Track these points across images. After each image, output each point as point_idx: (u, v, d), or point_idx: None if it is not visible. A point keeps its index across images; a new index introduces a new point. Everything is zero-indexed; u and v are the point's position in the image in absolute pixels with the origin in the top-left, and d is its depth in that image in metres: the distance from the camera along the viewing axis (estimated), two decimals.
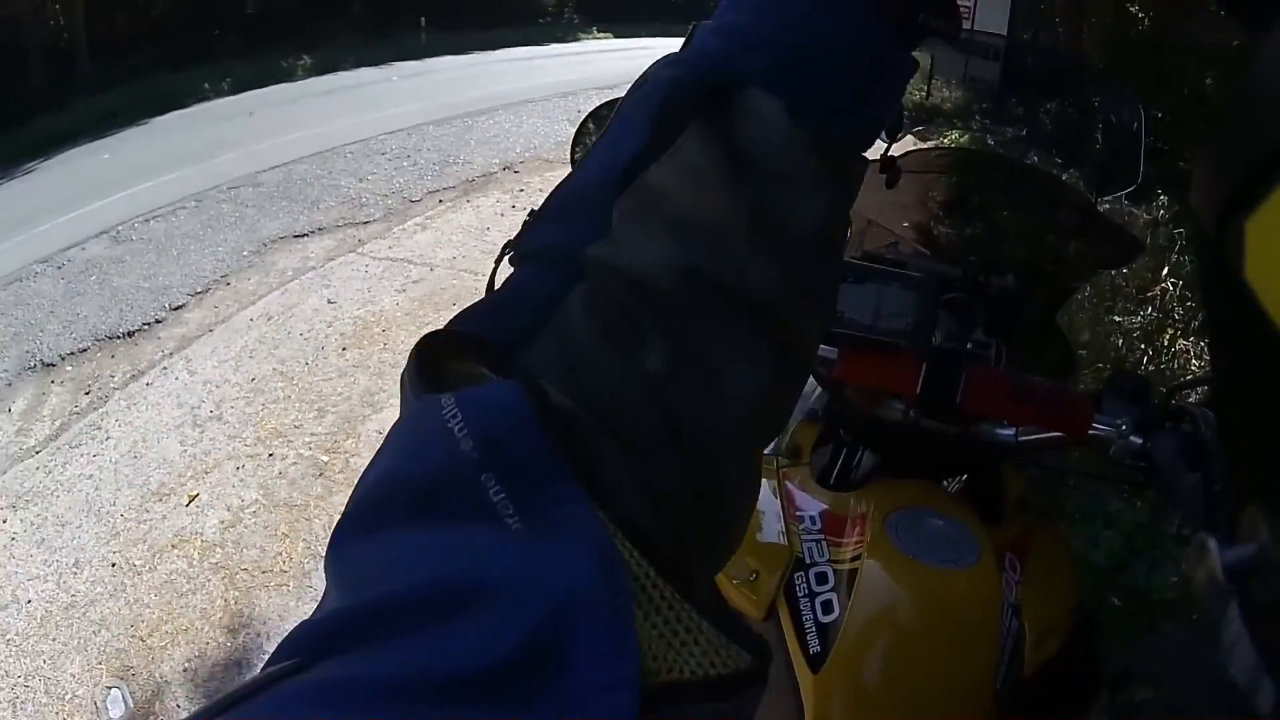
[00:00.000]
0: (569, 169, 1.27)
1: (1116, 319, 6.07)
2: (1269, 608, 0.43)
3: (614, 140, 0.58)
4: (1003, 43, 16.21)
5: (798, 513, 1.42)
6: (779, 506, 1.45)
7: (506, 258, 0.58)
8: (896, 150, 1.85)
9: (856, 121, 0.60)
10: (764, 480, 1.46)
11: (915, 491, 1.40)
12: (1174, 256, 6.91)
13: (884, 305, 1.38)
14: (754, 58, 0.57)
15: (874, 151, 1.84)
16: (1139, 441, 1.29)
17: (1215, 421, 1.25)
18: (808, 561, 1.31)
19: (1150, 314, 6.15)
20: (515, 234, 0.58)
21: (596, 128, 1.52)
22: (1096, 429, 1.32)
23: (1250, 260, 0.37)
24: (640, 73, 0.60)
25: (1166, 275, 6.52)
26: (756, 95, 0.55)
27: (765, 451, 1.47)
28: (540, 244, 0.57)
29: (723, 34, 0.59)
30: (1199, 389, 1.50)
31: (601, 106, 1.53)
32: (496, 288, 0.56)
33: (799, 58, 0.58)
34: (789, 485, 1.50)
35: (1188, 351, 5.81)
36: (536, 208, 0.57)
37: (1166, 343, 5.85)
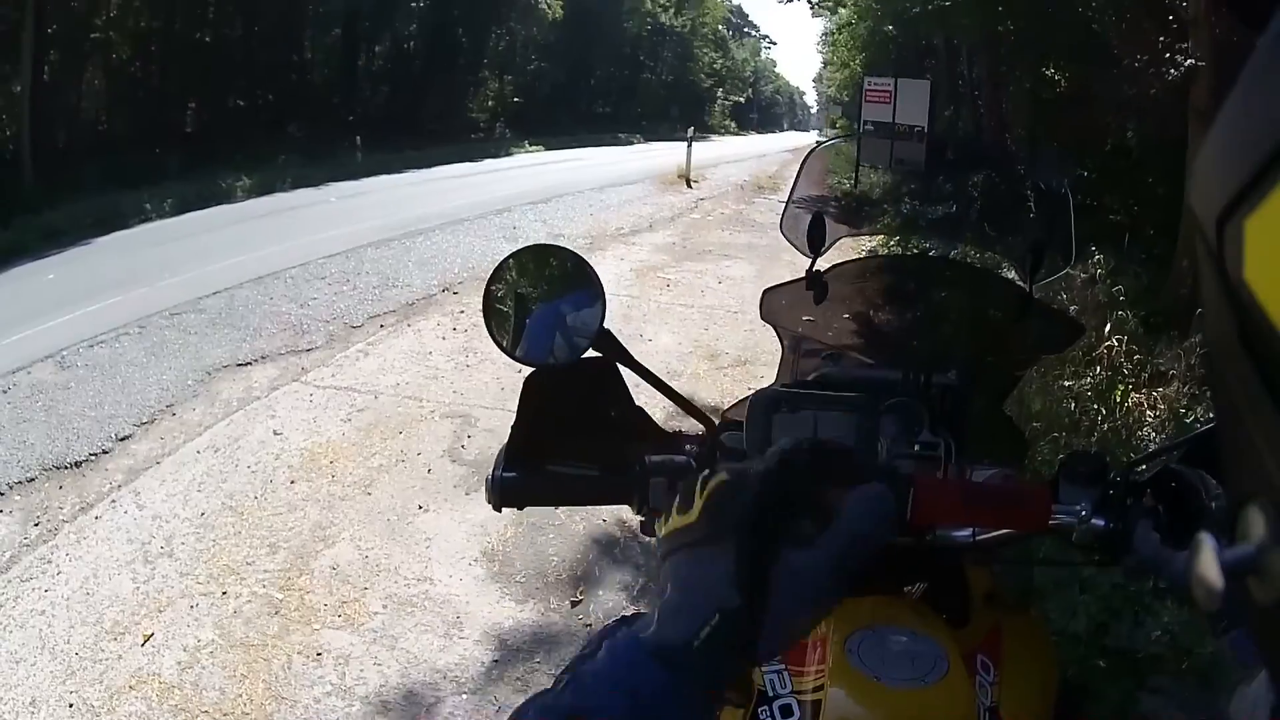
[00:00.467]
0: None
1: (1067, 383, 6.13)
2: (1269, 608, 0.44)
3: None
4: (925, 125, 16.72)
5: None
6: None
7: None
8: (823, 264, 1.94)
9: None
10: None
11: (874, 608, 1.33)
12: (1116, 313, 7.10)
13: (822, 431, 1.37)
14: None
15: (791, 253, 1.99)
16: (1101, 524, 1.27)
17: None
18: (770, 694, 1.25)
19: (1100, 373, 6.22)
20: None
21: (518, 267, 1.54)
22: (1056, 518, 1.27)
23: (1250, 261, 0.41)
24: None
25: (1111, 332, 6.64)
26: None
27: None
28: None
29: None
30: (1160, 457, 1.42)
31: (525, 249, 1.54)
32: None
33: None
34: None
35: (1141, 404, 5.91)
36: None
37: (1119, 398, 5.92)
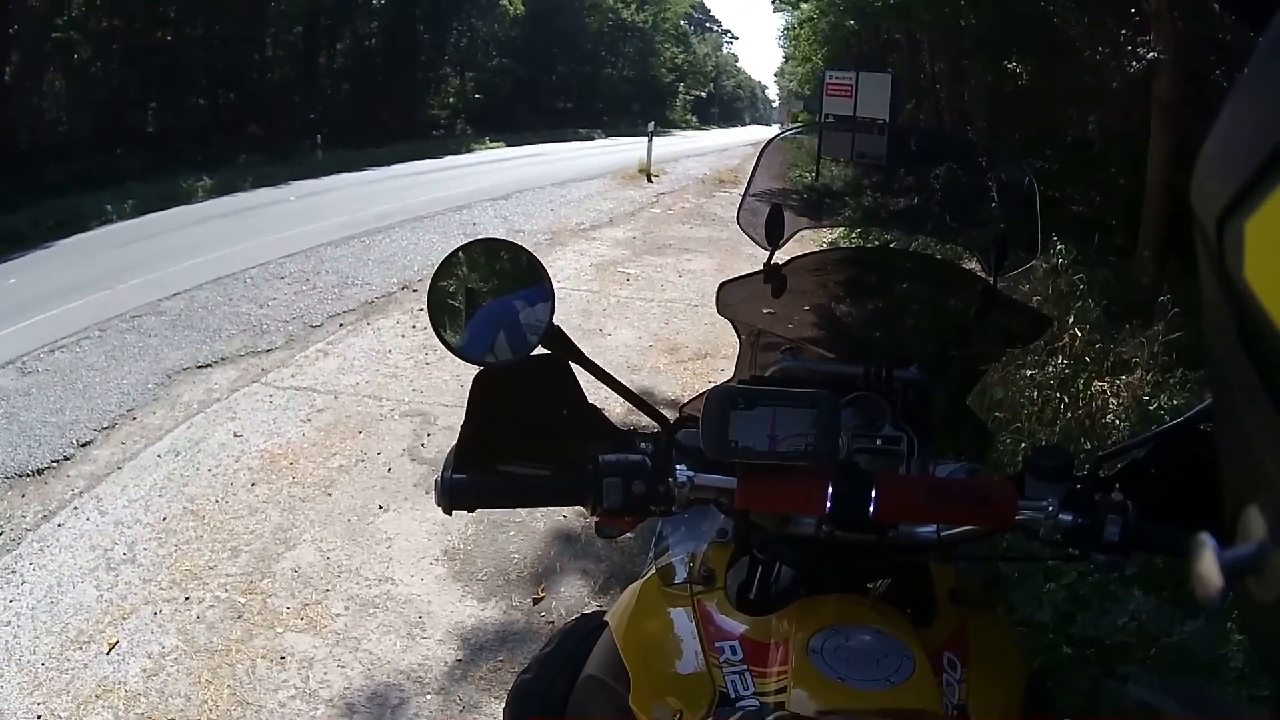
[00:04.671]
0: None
1: (1029, 373, 6.14)
2: (1269, 608, 0.44)
3: None
4: (886, 118, 16.79)
5: (717, 643, 1.34)
6: (697, 636, 1.38)
7: None
8: (782, 257, 1.92)
9: None
10: (681, 608, 1.46)
11: (838, 607, 1.33)
12: (1078, 303, 7.12)
13: (780, 428, 1.29)
14: None
15: (752, 247, 1.98)
16: (1068, 518, 1.27)
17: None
18: (733, 696, 1.23)
19: (1062, 363, 6.23)
20: None
21: (467, 261, 1.49)
22: (1023, 514, 1.28)
23: (1250, 261, 0.41)
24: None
25: (1073, 322, 6.66)
26: None
27: (678, 579, 1.57)
28: None
29: None
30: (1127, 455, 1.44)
31: (474, 243, 1.49)
32: None
33: None
34: (706, 611, 1.43)
35: (1105, 393, 5.93)
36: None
37: (1082, 387, 5.94)
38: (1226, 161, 0.44)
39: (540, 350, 1.39)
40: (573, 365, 1.41)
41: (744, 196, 2.14)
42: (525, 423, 1.41)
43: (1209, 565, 0.47)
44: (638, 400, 1.51)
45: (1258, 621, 0.47)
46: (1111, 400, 5.91)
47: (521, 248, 1.48)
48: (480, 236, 1.66)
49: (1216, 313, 0.46)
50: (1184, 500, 1.24)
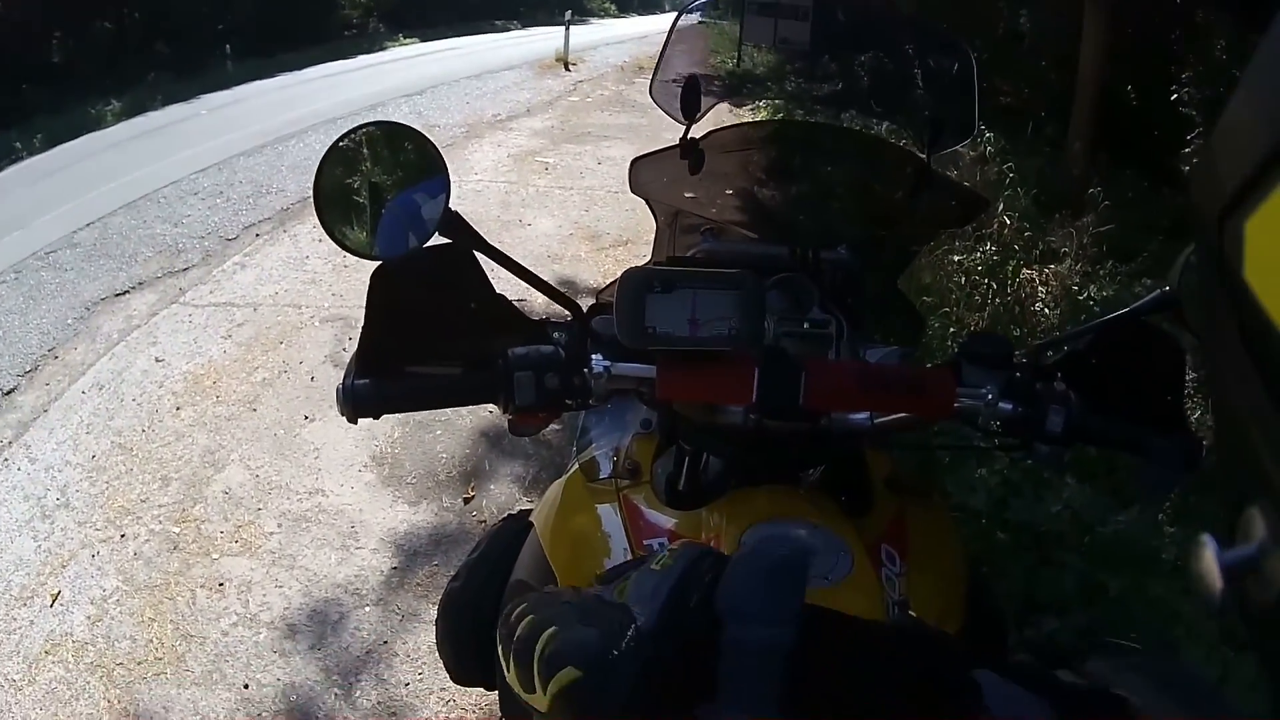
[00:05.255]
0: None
1: (956, 259, 6.14)
2: (1269, 608, 0.44)
3: None
4: (811, 2, 16.36)
5: (645, 540, 1.34)
6: (624, 531, 1.38)
7: None
8: (698, 130, 1.83)
9: None
10: (607, 504, 1.45)
11: (770, 500, 1.29)
12: (1007, 191, 7.09)
13: (700, 312, 1.21)
14: None
15: (674, 132, 1.87)
16: (1008, 407, 1.24)
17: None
18: None
19: (990, 249, 6.22)
20: None
21: (353, 149, 1.39)
22: (961, 402, 1.25)
23: (1250, 261, 0.41)
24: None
25: (1002, 210, 6.63)
26: None
27: (603, 474, 1.55)
28: None
29: None
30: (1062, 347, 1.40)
31: (358, 128, 1.39)
32: None
33: None
34: (633, 506, 1.42)
35: (1033, 281, 5.96)
36: None
37: (1011, 274, 5.97)
38: (1227, 160, 0.44)
39: (440, 240, 1.31)
40: (478, 256, 1.32)
41: (656, 67, 2.04)
42: (430, 320, 1.32)
43: (1209, 565, 0.47)
44: (547, 288, 1.43)
45: (1258, 622, 0.47)
46: (1040, 289, 5.93)
47: (406, 127, 1.40)
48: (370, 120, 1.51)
49: (1216, 312, 0.46)
50: (1125, 393, 1.27)
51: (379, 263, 1.28)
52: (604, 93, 17.08)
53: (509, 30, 35.33)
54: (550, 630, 0.76)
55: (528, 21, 38.70)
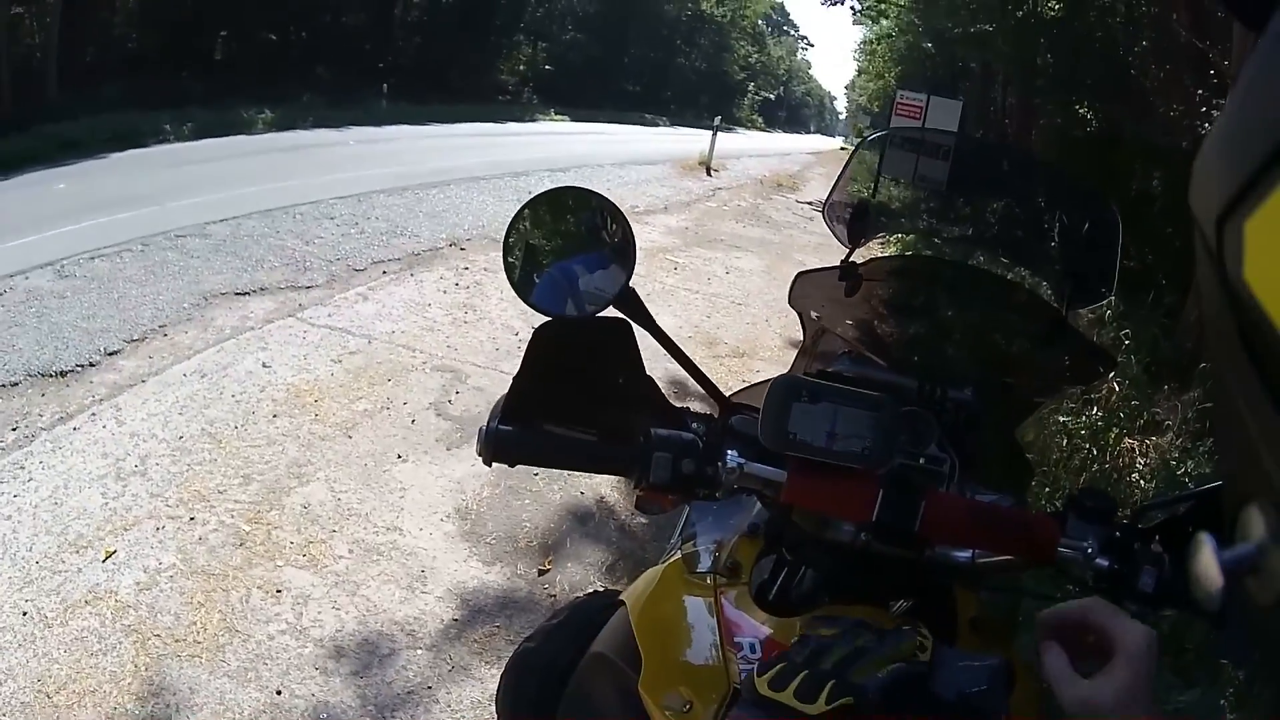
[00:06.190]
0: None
1: (1062, 419, 6.05)
2: (1269, 608, 0.44)
3: None
4: (953, 140, 16.50)
5: (736, 638, 1.34)
6: (715, 628, 1.38)
7: None
8: (859, 256, 1.87)
9: None
10: (699, 598, 1.45)
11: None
12: (1121, 358, 7.00)
13: (840, 426, 1.27)
14: None
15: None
16: (1104, 563, 1.25)
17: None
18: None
19: (1096, 414, 6.13)
20: None
21: (550, 207, 1.53)
22: (1063, 551, 1.26)
23: (1249, 261, 0.41)
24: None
25: (1113, 376, 6.52)
26: None
27: (702, 567, 1.55)
28: None
29: None
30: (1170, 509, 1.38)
31: (561, 190, 1.50)
32: None
33: None
34: (726, 604, 1.42)
35: (1134, 450, 5.83)
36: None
37: (1112, 441, 5.85)
38: (1226, 161, 0.43)
39: (609, 312, 1.37)
40: (635, 334, 1.36)
41: (832, 190, 2.08)
42: (579, 383, 1.35)
43: (1209, 565, 0.49)
44: (701, 377, 1.50)
45: (1257, 622, 0.46)
46: (1139, 459, 5.80)
47: (609, 201, 1.46)
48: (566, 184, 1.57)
49: (1216, 313, 0.46)
50: None
51: (547, 318, 1.36)
52: (741, 203, 17.23)
53: (657, 125, 36.34)
54: None
55: (676, 120, 39.78)
